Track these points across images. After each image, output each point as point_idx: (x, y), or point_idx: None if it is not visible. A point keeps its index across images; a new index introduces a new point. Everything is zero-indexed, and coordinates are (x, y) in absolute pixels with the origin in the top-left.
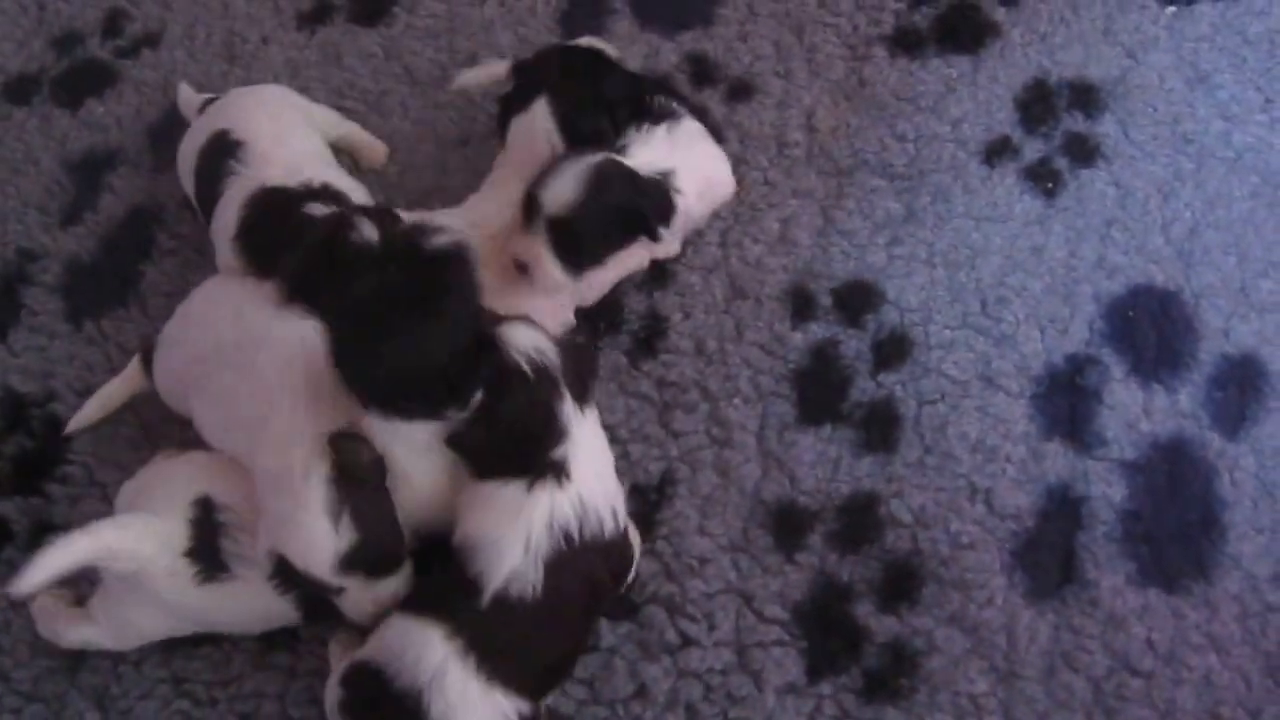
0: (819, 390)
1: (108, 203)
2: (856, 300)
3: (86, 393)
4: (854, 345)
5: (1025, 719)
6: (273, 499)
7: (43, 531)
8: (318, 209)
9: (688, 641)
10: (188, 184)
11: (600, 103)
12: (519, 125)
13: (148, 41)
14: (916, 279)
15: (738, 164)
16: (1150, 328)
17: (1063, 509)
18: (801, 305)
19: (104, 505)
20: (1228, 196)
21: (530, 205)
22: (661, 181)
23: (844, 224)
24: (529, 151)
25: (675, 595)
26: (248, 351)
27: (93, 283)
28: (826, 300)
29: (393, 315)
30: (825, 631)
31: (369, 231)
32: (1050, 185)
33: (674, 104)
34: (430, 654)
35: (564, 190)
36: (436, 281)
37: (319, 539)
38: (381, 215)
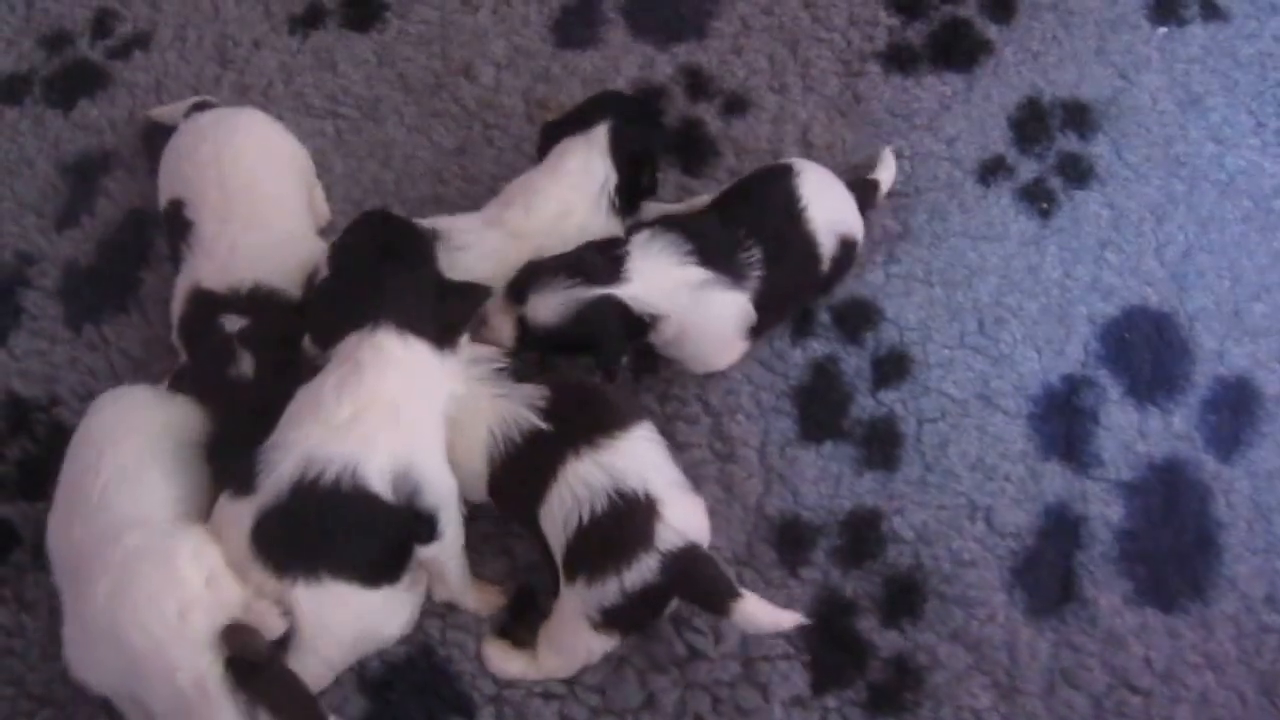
0: (820, 407)
1: (103, 206)
2: (855, 318)
3: (89, 398)
4: (854, 362)
5: None
6: None
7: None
8: (232, 322)
9: (695, 654)
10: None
11: (653, 151)
12: (572, 144)
13: (138, 43)
14: (915, 297)
15: (730, 176)
16: (1145, 349)
17: (1061, 528)
18: (801, 321)
19: None
20: (1220, 219)
21: (517, 291)
22: (646, 325)
23: None
24: (568, 169)
25: (682, 608)
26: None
27: (91, 287)
28: (826, 317)
29: None
30: (830, 645)
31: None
32: (1045, 205)
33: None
34: None
35: (549, 311)
36: None
37: None
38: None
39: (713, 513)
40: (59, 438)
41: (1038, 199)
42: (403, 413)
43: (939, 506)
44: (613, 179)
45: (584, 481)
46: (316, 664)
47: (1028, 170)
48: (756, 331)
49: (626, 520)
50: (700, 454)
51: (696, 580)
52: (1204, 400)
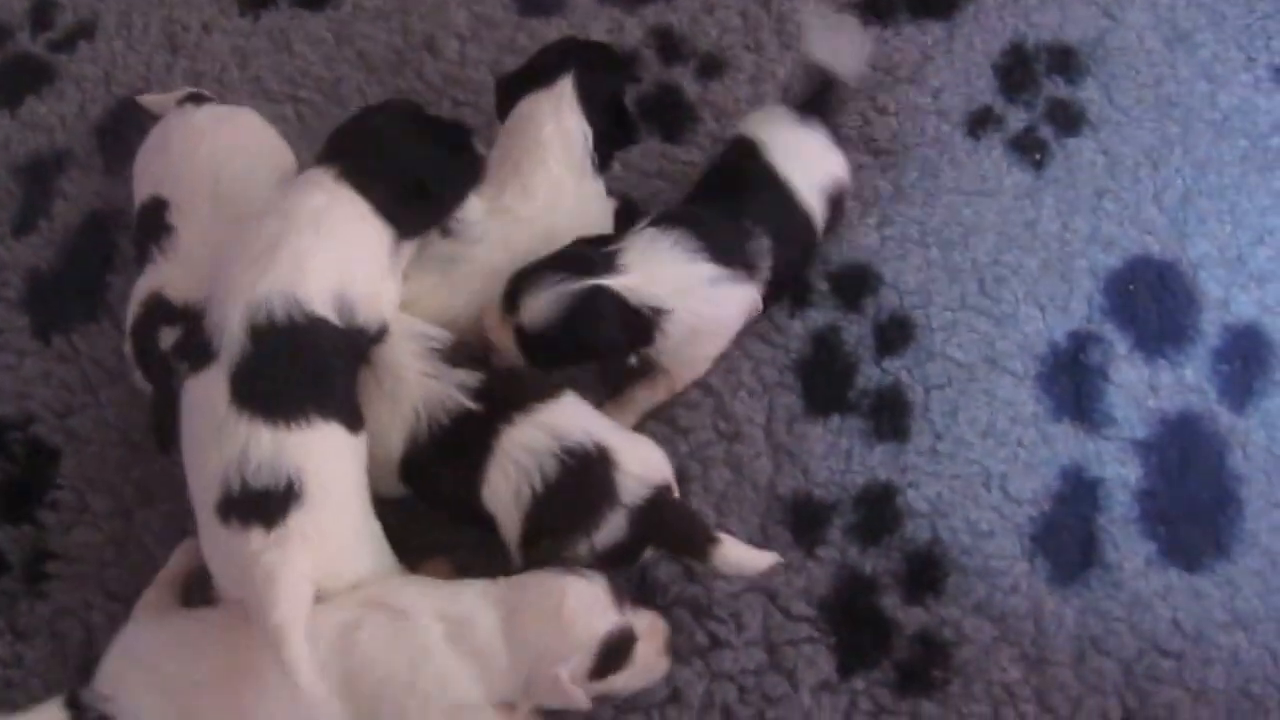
0: (824, 379)
1: (61, 209)
2: (853, 284)
3: (66, 413)
4: (855, 331)
5: (1060, 706)
6: None
7: (41, 560)
8: (167, 336)
9: (717, 643)
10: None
11: (621, 93)
12: (537, 105)
13: (81, 33)
14: (912, 260)
15: (714, 142)
16: (1150, 301)
17: (1078, 491)
18: (798, 291)
19: (97, 533)
20: (1218, 161)
21: (509, 300)
22: (648, 319)
23: None
24: (544, 138)
25: (700, 596)
26: None
27: (56, 295)
28: (823, 285)
29: None
30: (853, 626)
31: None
32: (1038, 156)
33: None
34: None
35: (542, 310)
36: None
37: None
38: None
39: (723, 496)
40: (38, 457)
41: (1030, 150)
42: (323, 226)
43: (953, 476)
44: (589, 135)
45: (524, 447)
46: (329, 522)
47: (1017, 120)
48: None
49: (582, 478)
50: (705, 435)
51: (670, 529)
52: (1214, 350)
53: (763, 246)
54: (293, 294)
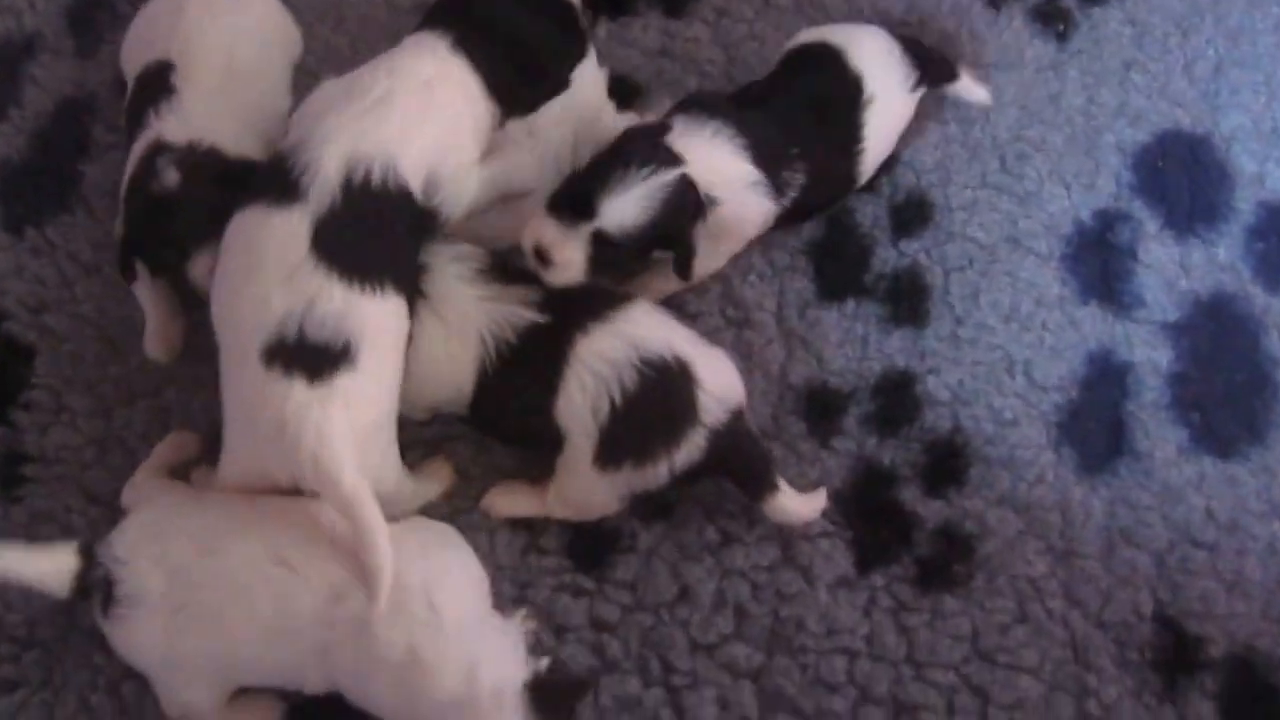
0: (838, 262)
1: (32, 96)
2: None
3: (40, 309)
4: (870, 211)
5: (1089, 599)
6: None
7: (17, 462)
8: (169, 171)
9: (729, 539)
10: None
11: None
12: None
13: None
14: (929, 136)
15: (719, 17)
16: (1181, 176)
17: (1106, 377)
18: None
19: (75, 433)
20: (1250, 30)
21: (579, 199)
22: (707, 210)
23: None
24: None
25: (708, 492)
26: None
27: (29, 186)
28: None
29: None
30: (871, 520)
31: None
32: (1061, 26)
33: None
34: None
35: (634, 210)
36: None
37: None
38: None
39: None
40: (11, 355)
41: (1053, 19)
42: (434, 97)
43: (974, 362)
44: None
45: (602, 357)
46: (371, 395)
47: None
48: None
49: (664, 393)
50: (713, 322)
51: (740, 460)
52: (1248, 228)
53: (797, 178)
54: (394, 159)
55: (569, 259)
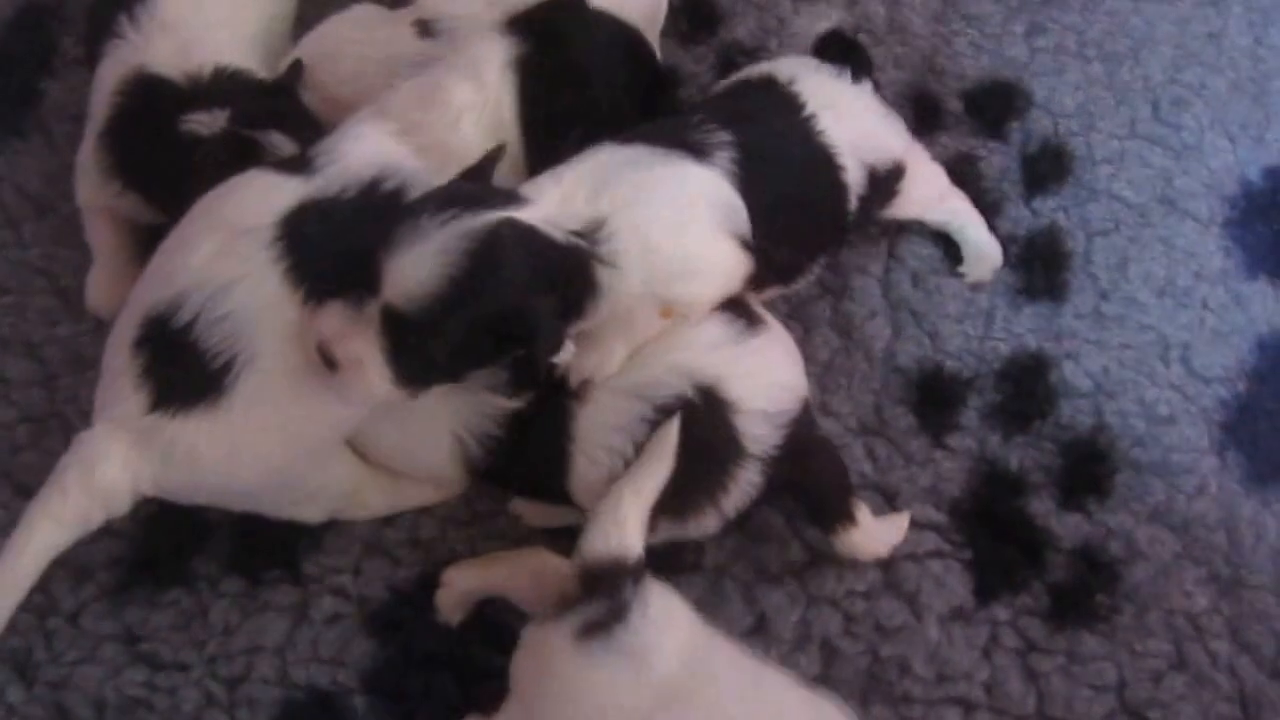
0: None
1: None
2: (995, 105)
3: None
4: (997, 162)
5: (1261, 641)
6: None
7: None
8: (201, 121)
9: (817, 557)
10: None
11: None
12: None
13: None
14: (1069, 76)
15: None
16: None
17: (1279, 367)
18: (924, 112)
19: (9, 407)
20: None
21: (370, 269)
22: (579, 251)
23: (968, 7)
24: None
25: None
26: None
27: None
28: (956, 105)
29: None
30: (994, 537)
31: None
32: None
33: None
34: None
35: (417, 270)
36: None
37: None
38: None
39: (828, 367)
40: None
41: None
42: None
43: (1122, 346)
44: None
45: (608, 426)
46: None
47: None
48: None
49: (693, 439)
50: (806, 289)
51: (810, 481)
52: None
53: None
54: (417, 174)
55: (355, 355)
